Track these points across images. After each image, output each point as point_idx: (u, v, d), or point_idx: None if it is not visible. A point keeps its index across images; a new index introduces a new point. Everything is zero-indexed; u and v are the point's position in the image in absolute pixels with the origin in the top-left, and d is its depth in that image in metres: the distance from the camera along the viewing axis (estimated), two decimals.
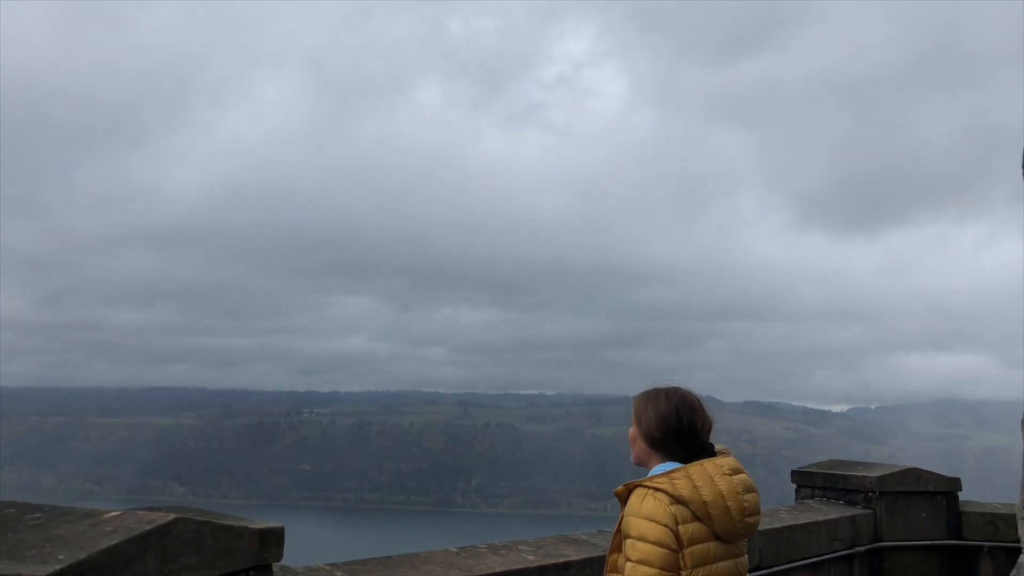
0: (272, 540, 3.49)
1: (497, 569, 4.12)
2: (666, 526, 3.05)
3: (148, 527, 2.88)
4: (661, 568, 3.02)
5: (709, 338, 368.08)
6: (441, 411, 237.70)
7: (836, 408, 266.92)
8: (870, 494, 7.04)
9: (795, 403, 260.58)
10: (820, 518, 6.30)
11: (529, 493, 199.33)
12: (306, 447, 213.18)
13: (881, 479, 7.00)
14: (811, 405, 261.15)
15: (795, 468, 7.91)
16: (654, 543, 3.04)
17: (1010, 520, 6.99)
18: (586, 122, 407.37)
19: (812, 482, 7.57)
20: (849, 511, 6.75)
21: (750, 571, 5.38)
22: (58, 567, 2.59)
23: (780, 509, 6.53)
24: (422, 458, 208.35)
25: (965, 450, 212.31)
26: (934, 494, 7.17)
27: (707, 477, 3.16)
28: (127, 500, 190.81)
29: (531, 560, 4.39)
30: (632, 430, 3.51)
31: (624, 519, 3.16)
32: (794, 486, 7.79)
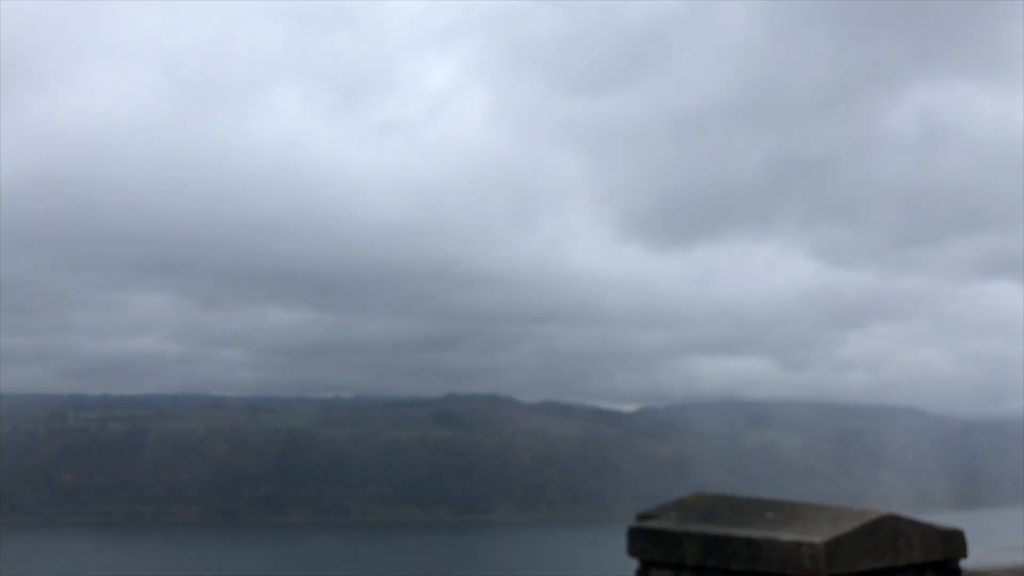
0: None
1: None
2: None
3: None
4: None
5: (522, 341, 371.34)
6: (226, 416, 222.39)
7: (627, 408, 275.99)
8: None
9: (589, 403, 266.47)
10: None
11: (320, 501, 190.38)
12: (70, 456, 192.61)
13: (832, 547, 3.10)
14: (604, 405, 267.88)
15: (637, 519, 3.58)
16: None
17: None
18: (442, 140, 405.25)
19: (675, 554, 3.42)
20: None
21: None
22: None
23: None
24: (203, 466, 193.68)
25: (740, 447, 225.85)
26: (922, 568, 3.49)
27: None
28: None
29: None
30: None
31: None
32: (636, 563, 3.57)
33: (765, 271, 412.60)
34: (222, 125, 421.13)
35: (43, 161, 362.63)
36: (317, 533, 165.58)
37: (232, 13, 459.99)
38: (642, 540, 3.81)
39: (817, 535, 3.27)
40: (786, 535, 3.35)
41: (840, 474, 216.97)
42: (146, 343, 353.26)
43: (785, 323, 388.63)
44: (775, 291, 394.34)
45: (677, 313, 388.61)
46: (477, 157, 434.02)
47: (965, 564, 3.66)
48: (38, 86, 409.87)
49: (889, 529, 3.44)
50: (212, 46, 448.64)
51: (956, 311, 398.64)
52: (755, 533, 3.43)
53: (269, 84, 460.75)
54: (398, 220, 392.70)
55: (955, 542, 3.73)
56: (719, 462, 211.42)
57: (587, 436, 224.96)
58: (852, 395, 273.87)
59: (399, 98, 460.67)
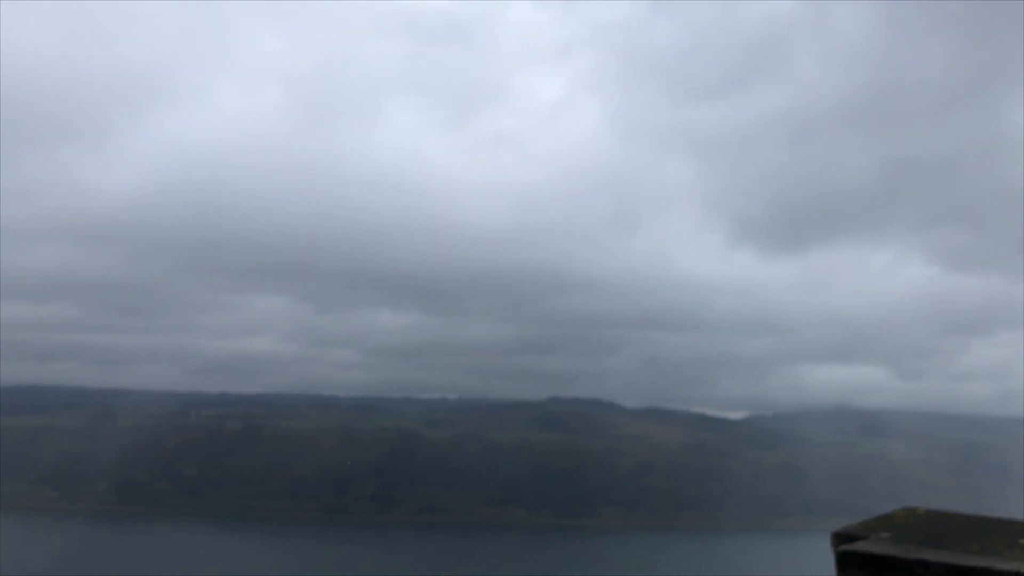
0: None
1: None
2: None
3: None
4: None
5: (625, 346, 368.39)
6: (337, 415, 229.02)
7: (734, 415, 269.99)
8: None
9: (695, 410, 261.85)
10: None
11: (425, 500, 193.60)
12: (191, 450, 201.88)
13: None
14: (710, 412, 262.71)
15: (835, 539, 3.14)
16: None
17: None
18: (553, 150, 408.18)
19: None
20: None
21: None
22: None
23: None
24: (314, 463, 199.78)
25: (852, 457, 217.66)
26: None
27: None
28: None
29: None
30: None
31: None
32: None
33: (881, 277, 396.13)
34: (340, 138, 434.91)
35: (175, 173, 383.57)
36: (423, 531, 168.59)
37: (352, 32, 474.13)
38: (857, 567, 3.06)
39: None
40: None
41: (959, 489, 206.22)
42: (263, 343, 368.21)
43: (901, 330, 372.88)
44: (891, 297, 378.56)
45: (788, 319, 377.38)
46: (587, 166, 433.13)
47: None
48: (173, 104, 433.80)
49: None
50: (332, 63, 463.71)
51: None
52: None
53: (386, 98, 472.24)
54: (506, 226, 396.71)
55: None
56: (829, 472, 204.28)
57: (692, 443, 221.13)
58: (973, 406, 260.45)
59: (511, 110, 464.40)
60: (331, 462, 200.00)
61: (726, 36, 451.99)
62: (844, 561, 3.35)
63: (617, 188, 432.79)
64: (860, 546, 3.41)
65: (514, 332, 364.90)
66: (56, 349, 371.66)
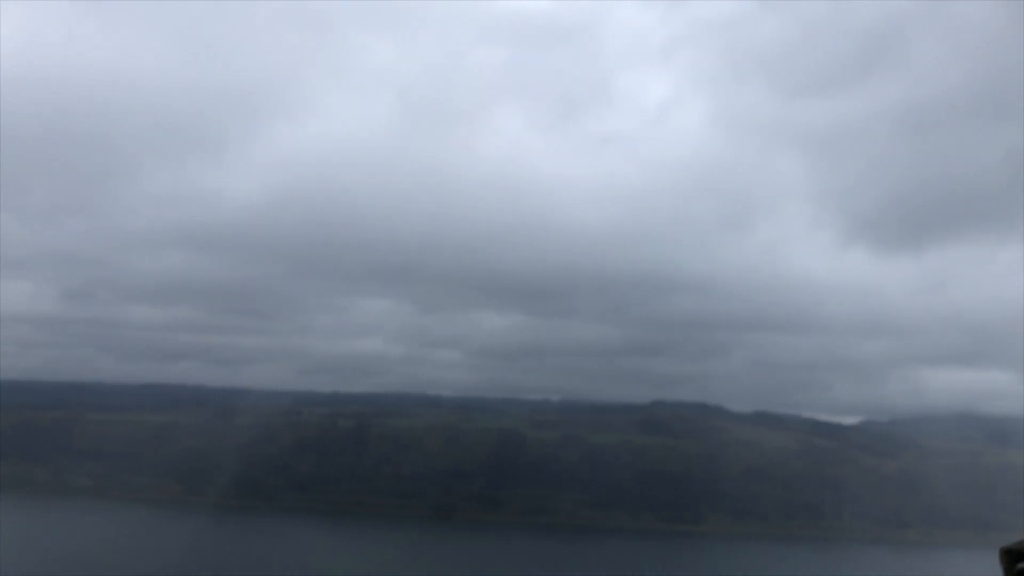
0: None
1: None
2: None
3: None
4: None
5: (734, 349, 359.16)
6: (442, 415, 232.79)
7: (848, 420, 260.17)
8: None
9: (807, 415, 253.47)
10: None
11: (530, 501, 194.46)
12: (304, 448, 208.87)
13: None
14: (823, 417, 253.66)
15: (1005, 556, 3.01)
16: None
17: None
18: (659, 150, 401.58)
19: None
20: None
21: None
22: None
23: None
24: (421, 462, 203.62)
25: (979, 467, 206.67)
26: None
27: None
28: (118, 499, 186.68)
29: None
30: None
31: None
32: None
33: (1009, 275, 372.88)
34: (449, 144, 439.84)
35: (290, 180, 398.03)
36: (527, 532, 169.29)
37: (460, 37, 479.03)
38: None
39: None
40: None
41: None
42: (373, 344, 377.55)
43: None
44: (1020, 296, 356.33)
45: (906, 321, 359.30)
46: (694, 165, 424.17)
47: None
48: (288, 114, 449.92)
49: None
50: (441, 70, 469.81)
51: None
52: None
53: (493, 103, 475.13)
54: (613, 228, 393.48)
55: None
56: (953, 482, 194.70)
57: (803, 449, 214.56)
58: None
59: (618, 111, 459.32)
60: (438, 461, 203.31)
61: (839, 29, 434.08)
62: None
63: (725, 187, 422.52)
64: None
65: (619, 334, 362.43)
66: (180, 350, 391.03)
